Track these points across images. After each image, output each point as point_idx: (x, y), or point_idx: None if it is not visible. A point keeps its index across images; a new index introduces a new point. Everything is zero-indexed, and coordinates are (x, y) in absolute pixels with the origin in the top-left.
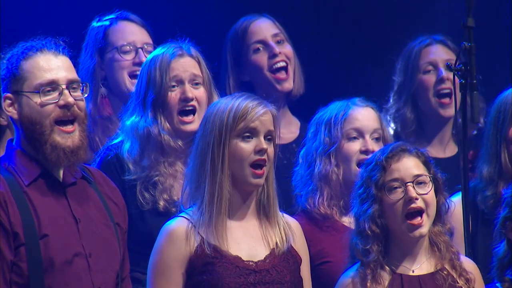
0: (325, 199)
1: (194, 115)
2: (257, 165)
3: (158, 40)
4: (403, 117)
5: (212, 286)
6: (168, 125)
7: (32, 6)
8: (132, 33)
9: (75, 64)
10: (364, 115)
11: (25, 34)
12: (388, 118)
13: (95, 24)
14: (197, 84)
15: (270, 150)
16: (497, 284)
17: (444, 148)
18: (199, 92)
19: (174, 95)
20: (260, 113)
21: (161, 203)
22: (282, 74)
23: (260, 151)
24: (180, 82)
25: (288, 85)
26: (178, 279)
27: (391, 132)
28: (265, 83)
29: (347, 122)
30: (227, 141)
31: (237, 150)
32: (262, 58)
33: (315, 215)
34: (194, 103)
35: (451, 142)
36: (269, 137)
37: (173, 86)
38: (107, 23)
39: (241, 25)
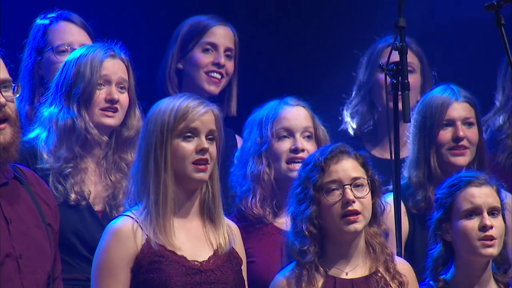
0: (257, 200)
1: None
2: (199, 163)
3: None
4: (361, 114)
5: (159, 285)
6: (91, 120)
7: None
8: (70, 34)
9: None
10: (294, 114)
11: None
12: (346, 113)
13: (38, 21)
14: (122, 88)
15: (212, 149)
16: (430, 282)
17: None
18: (123, 97)
19: (100, 93)
20: (200, 112)
21: (72, 195)
22: (216, 79)
23: (202, 151)
24: (108, 82)
25: (216, 89)
26: (125, 278)
27: (351, 128)
28: (195, 81)
29: (277, 121)
30: (169, 141)
31: (178, 149)
32: (206, 59)
33: (248, 216)
34: (117, 105)
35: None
36: (210, 136)
37: (101, 85)
38: (47, 21)
39: (207, 20)
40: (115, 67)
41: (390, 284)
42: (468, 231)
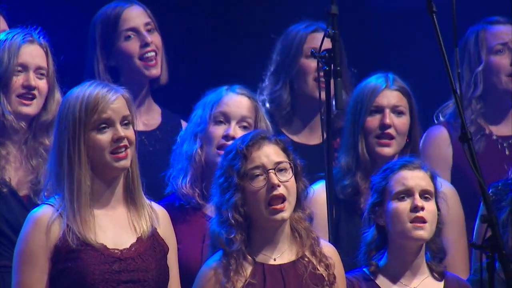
0: (188, 180)
1: (32, 100)
2: (117, 151)
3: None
4: (279, 98)
5: (77, 274)
6: (8, 106)
7: None
8: None
9: None
10: (235, 102)
11: None
12: (263, 98)
13: None
14: (41, 74)
15: (130, 134)
16: (364, 269)
17: (315, 135)
18: (42, 83)
19: (17, 79)
20: (111, 101)
21: None
22: (151, 61)
23: (118, 140)
24: (26, 68)
25: (156, 71)
26: (44, 266)
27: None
28: (133, 70)
29: (217, 105)
30: (82, 136)
31: (95, 142)
32: (133, 46)
33: (179, 195)
34: (35, 92)
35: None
36: (125, 122)
37: (19, 71)
38: None
39: (113, 10)
40: (33, 53)
41: (317, 268)
42: (400, 212)
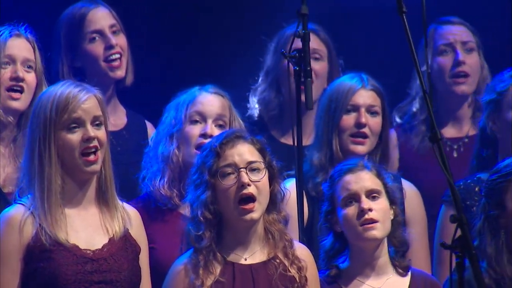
0: (166, 181)
1: (21, 94)
2: (88, 153)
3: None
4: (267, 100)
5: (49, 274)
6: None
7: None
8: None
9: None
10: (210, 100)
11: None
12: (253, 99)
13: None
14: (29, 67)
15: (101, 134)
16: (327, 272)
17: (303, 136)
18: (30, 76)
19: (5, 72)
20: (82, 100)
21: None
22: (116, 62)
23: (88, 140)
24: (13, 61)
25: (121, 73)
26: (16, 266)
27: (258, 114)
28: (98, 72)
29: (192, 104)
30: (53, 135)
31: (65, 142)
32: (97, 48)
33: (156, 196)
34: (23, 84)
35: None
36: (97, 122)
37: (6, 64)
38: None
39: (78, 11)
40: (20, 46)
41: (288, 269)
42: (349, 218)
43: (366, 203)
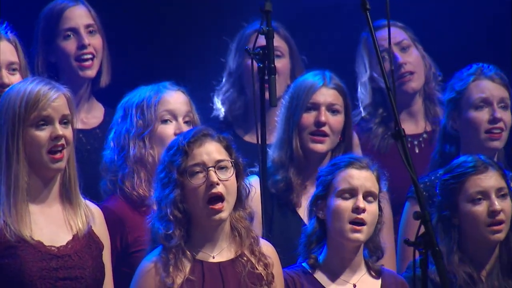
0: (142, 182)
1: None
2: (55, 151)
3: None
4: (231, 99)
5: (14, 270)
6: None
7: None
8: None
9: None
10: (176, 98)
11: None
12: (217, 99)
13: None
14: (14, 70)
15: (68, 133)
16: (303, 264)
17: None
18: (15, 79)
19: None
20: (52, 99)
21: None
22: (87, 62)
23: (56, 138)
24: None
25: (91, 73)
26: None
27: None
28: (70, 69)
29: (160, 104)
30: (21, 131)
31: (33, 139)
32: (70, 46)
33: (133, 198)
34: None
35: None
36: (65, 121)
37: None
38: None
39: (57, 7)
40: (2, 50)
41: (256, 267)
42: (341, 210)
43: (362, 202)
